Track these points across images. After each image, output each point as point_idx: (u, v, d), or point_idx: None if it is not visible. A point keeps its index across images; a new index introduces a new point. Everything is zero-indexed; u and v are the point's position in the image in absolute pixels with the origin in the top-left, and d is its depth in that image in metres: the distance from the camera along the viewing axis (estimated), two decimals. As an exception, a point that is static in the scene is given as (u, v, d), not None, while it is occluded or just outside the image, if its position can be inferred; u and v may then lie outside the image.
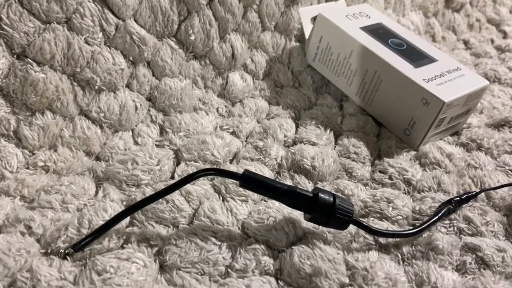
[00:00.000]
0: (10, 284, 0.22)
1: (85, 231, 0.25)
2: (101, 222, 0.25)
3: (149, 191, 0.28)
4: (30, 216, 0.25)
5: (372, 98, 0.38)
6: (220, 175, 0.26)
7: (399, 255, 0.27)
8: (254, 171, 0.30)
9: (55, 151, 0.31)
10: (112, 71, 0.33)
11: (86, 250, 0.24)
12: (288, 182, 0.31)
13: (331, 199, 0.25)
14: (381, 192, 0.31)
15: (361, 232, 0.27)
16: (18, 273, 0.22)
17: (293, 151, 0.34)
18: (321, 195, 0.25)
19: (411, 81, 0.34)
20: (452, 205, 0.29)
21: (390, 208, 0.29)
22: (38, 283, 0.22)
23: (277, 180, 0.27)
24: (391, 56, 0.37)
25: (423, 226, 0.27)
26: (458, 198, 0.29)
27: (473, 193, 0.30)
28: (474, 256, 0.26)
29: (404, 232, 0.27)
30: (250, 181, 0.25)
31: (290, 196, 0.25)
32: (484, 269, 0.26)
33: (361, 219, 0.27)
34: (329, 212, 0.25)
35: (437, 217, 0.28)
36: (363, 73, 0.38)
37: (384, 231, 0.26)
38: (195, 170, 0.31)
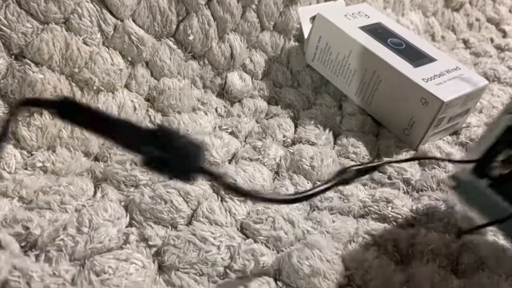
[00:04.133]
0: (2, 286, 0.22)
1: (85, 230, 0.25)
2: (102, 222, 0.25)
3: (147, 191, 0.28)
4: (28, 217, 0.25)
5: (371, 97, 0.38)
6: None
7: (397, 255, 0.26)
8: (252, 171, 0.31)
9: (54, 151, 0.31)
10: (111, 71, 0.33)
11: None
12: (287, 182, 0.31)
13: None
14: (380, 192, 0.31)
15: (360, 232, 0.27)
16: (9, 274, 0.22)
17: (292, 151, 0.34)
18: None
19: (410, 80, 0.34)
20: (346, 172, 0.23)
21: (389, 208, 0.29)
22: (31, 279, 0.22)
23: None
24: (390, 55, 0.36)
25: (311, 192, 0.21)
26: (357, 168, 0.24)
27: (375, 164, 0.27)
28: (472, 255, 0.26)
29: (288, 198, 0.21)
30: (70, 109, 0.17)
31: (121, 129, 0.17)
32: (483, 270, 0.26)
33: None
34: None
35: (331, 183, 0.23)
36: (362, 73, 0.38)
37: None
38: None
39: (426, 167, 0.34)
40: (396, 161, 0.30)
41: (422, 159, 0.29)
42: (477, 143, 0.26)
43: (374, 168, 0.26)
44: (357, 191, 0.31)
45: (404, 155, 0.35)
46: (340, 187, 0.31)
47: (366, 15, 0.42)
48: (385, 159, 0.30)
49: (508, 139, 0.23)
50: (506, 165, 0.23)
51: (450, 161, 0.30)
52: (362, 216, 0.30)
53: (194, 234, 0.26)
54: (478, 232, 0.27)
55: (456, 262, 0.26)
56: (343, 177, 0.23)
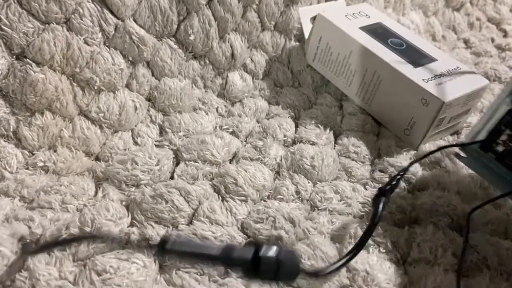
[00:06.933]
0: (9, 284, 0.22)
1: (87, 230, 0.25)
2: (104, 221, 0.25)
3: (148, 191, 0.28)
4: (29, 216, 0.25)
5: (372, 98, 0.38)
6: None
7: (397, 254, 0.27)
8: (253, 171, 0.31)
9: (55, 151, 0.31)
10: (112, 71, 0.33)
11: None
12: (288, 182, 0.31)
13: (274, 256, 0.20)
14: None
15: (359, 233, 0.27)
16: (16, 273, 0.22)
17: (292, 150, 0.34)
18: (262, 254, 0.20)
19: (411, 81, 0.34)
20: (385, 196, 0.26)
21: (392, 207, 0.29)
22: (37, 282, 0.22)
23: (208, 242, 0.23)
24: (390, 56, 0.36)
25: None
26: (389, 186, 0.27)
27: (398, 177, 0.28)
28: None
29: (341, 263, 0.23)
30: (169, 251, 0.20)
31: (224, 263, 0.20)
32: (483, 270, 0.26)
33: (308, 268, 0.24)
34: (275, 273, 0.20)
35: (377, 217, 0.25)
36: (363, 73, 0.38)
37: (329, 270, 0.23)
38: (194, 170, 0.31)
39: (427, 166, 0.34)
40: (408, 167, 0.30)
41: (431, 153, 0.30)
42: (477, 124, 0.30)
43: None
44: (357, 193, 0.31)
45: (404, 155, 0.35)
46: (340, 189, 0.31)
47: (366, 15, 0.42)
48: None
49: (508, 121, 0.27)
50: (508, 143, 0.28)
51: (457, 145, 0.32)
52: (362, 216, 0.30)
53: (195, 234, 0.26)
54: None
55: (460, 261, 0.26)
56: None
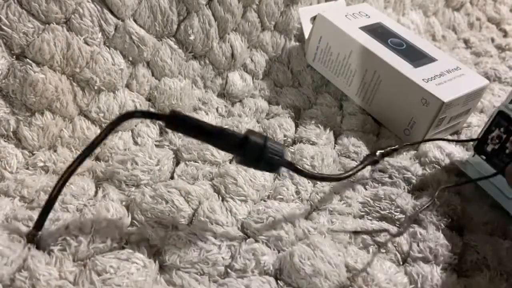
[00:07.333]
0: (9, 284, 0.22)
1: (87, 230, 0.25)
2: (104, 221, 0.25)
3: (148, 191, 0.28)
4: (28, 216, 0.25)
5: (372, 98, 0.38)
6: (145, 117, 0.24)
7: (397, 254, 0.27)
8: (253, 171, 0.31)
9: (55, 151, 0.31)
10: (112, 71, 0.33)
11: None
12: (288, 182, 0.31)
13: (262, 140, 0.24)
14: (382, 190, 0.31)
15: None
16: (16, 273, 0.22)
17: (292, 150, 0.34)
18: (251, 136, 0.24)
19: (411, 81, 0.34)
20: (375, 156, 0.30)
21: (392, 207, 0.29)
22: (38, 282, 0.22)
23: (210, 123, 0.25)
24: (390, 56, 0.36)
25: (352, 172, 0.28)
26: (382, 151, 0.31)
27: (396, 147, 0.31)
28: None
29: (334, 176, 0.27)
30: (177, 121, 0.23)
31: (219, 138, 0.24)
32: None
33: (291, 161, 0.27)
34: (259, 153, 0.24)
35: (362, 165, 0.29)
36: (363, 73, 0.38)
37: (315, 174, 0.27)
38: (194, 170, 0.31)
39: (427, 166, 0.34)
40: (413, 144, 0.33)
41: (430, 140, 0.33)
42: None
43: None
44: (357, 193, 0.31)
45: (404, 155, 0.35)
46: (340, 189, 0.31)
47: (366, 15, 0.42)
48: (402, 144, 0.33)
49: (498, 122, 0.29)
50: (495, 141, 0.29)
51: (455, 141, 0.34)
52: (362, 217, 0.30)
53: (195, 234, 0.26)
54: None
55: (459, 261, 0.26)
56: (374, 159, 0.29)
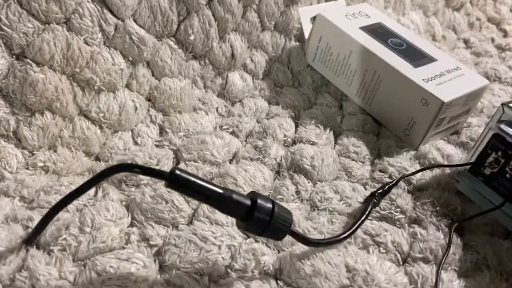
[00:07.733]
0: (9, 284, 0.22)
1: (87, 230, 0.25)
2: (104, 221, 0.25)
3: (148, 191, 0.28)
4: (28, 216, 0.25)
5: (372, 98, 0.38)
6: (144, 173, 0.21)
7: (397, 254, 0.27)
8: (253, 171, 0.31)
9: (55, 151, 0.31)
10: (112, 71, 0.33)
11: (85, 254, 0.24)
12: (288, 182, 0.31)
13: (270, 206, 0.22)
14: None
15: (359, 233, 0.27)
16: (16, 273, 0.22)
17: (292, 150, 0.34)
18: (259, 201, 0.22)
19: (411, 81, 0.34)
20: (376, 199, 0.29)
21: (392, 207, 0.29)
22: (37, 282, 0.22)
23: (213, 182, 0.23)
24: (390, 56, 0.36)
25: (353, 228, 0.27)
26: (380, 191, 0.30)
27: (394, 182, 0.31)
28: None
29: (338, 238, 0.26)
30: (179, 182, 0.21)
31: (224, 203, 0.21)
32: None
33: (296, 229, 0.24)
34: (267, 222, 0.22)
35: (364, 216, 0.28)
36: (363, 73, 0.38)
37: (319, 241, 0.25)
38: (194, 170, 0.31)
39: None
40: (410, 174, 0.32)
41: (417, 172, 0.33)
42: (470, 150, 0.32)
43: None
44: (356, 193, 0.31)
45: (404, 155, 0.35)
46: (340, 189, 0.31)
47: (366, 15, 0.42)
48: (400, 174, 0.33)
49: (494, 145, 0.29)
50: (493, 165, 0.29)
51: (449, 165, 0.33)
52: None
53: (195, 234, 0.26)
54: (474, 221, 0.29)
55: (459, 261, 0.26)
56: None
